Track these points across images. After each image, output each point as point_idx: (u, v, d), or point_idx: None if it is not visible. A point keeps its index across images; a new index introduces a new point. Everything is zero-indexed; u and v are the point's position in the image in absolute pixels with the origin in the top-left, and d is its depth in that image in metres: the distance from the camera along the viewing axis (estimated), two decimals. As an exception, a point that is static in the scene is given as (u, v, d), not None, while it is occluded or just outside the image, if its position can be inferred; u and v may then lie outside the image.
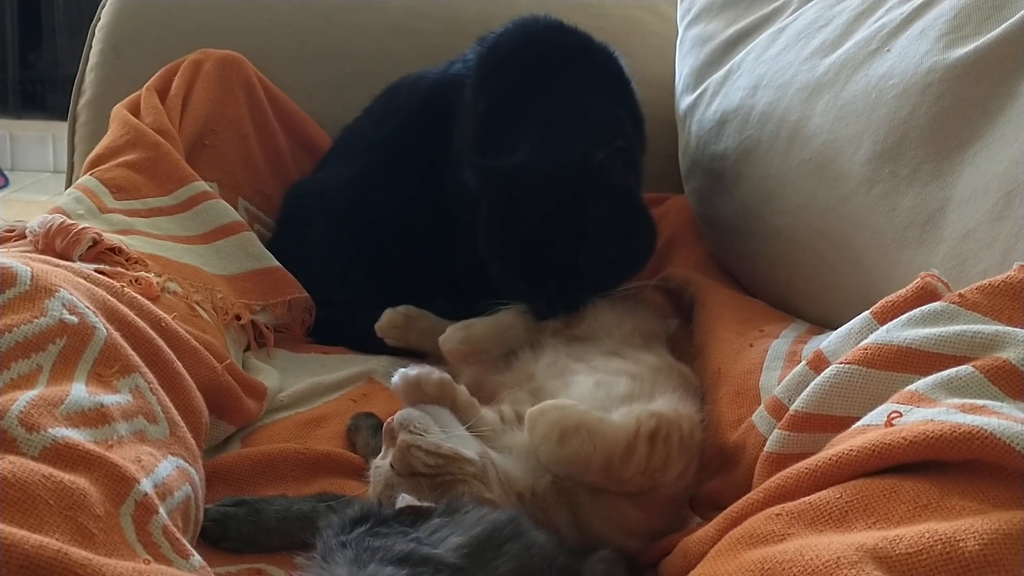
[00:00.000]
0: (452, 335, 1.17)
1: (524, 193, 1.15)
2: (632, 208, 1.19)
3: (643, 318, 1.17)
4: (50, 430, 0.69)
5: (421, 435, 0.87)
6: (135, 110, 1.43)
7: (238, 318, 1.24)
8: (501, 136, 1.22)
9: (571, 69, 1.27)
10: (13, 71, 4.14)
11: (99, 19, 1.71)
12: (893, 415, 0.67)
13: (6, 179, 3.79)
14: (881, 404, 0.70)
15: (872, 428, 0.67)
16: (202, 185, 1.35)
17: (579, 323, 1.15)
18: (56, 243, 1.06)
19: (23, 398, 0.70)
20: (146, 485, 0.72)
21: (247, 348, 1.28)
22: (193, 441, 0.88)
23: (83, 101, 1.68)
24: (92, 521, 0.65)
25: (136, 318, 0.93)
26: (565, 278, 1.14)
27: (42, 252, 1.05)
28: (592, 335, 1.13)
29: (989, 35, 0.95)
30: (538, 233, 1.14)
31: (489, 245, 1.20)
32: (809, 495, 0.65)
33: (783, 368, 0.96)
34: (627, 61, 1.34)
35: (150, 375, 0.87)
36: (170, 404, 0.88)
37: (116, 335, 0.86)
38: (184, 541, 0.73)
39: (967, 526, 0.55)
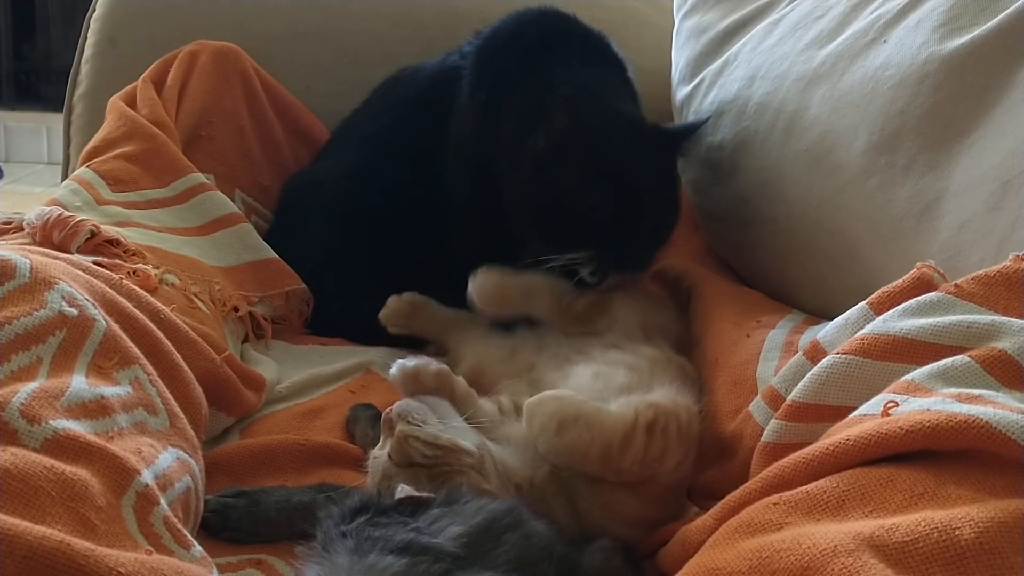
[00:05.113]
0: (484, 275, 1.17)
1: (594, 147, 1.16)
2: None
3: (665, 318, 1.18)
4: (51, 422, 0.69)
5: (419, 426, 0.87)
6: (131, 102, 1.42)
7: (236, 309, 1.24)
8: (523, 121, 1.22)
9: (572, 54, 1.27)
10: (7, 62, 4.13)
11: (94, 10, 1.70)
12: (889, 405, 0.67)
13: (1, 171, 3.78)
14: (878, 394, 0.70)
15: (869, 418, 0.68)
16: (199, 177, 1.35)
17: (603, 313, 1.15)
18: (54, 235, 1.06)
19: (24, 390, 0.71)
20: (147, 476, 0.72)
21: (245, 340, 1.28)
22: (193, 432, 0.89)
23: (79, 93, 1.67)
24: (94, 512, 0.65)
25: (135, 310, 0.93)
26: (640, 238, 1.17)
27: (40, 244, 1.05)
28: (608, 328, 1.13)
29: (985, 26, 0.95)
30: (622, 184, 1.15)
31: (555, 207, 1.18)
32: (806, 484, 0.65)
33: (780, 358, 0.96)
34: (624, 51, 1.35)
35: (149, 367, 0.88)
36: (170, 396, 0.88)
37: (115, 327, 0.86)
38: (185, 532, 0.73)
39: (963, 514, 0.56)
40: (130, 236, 1.15)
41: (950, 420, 0.61)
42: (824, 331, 0.87)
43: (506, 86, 1.26)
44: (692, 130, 1.27)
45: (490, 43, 1.33)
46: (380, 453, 0.89)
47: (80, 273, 0.91)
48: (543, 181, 1.18)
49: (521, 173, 1.20)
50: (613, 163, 1.16)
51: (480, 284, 1.17)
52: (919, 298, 0.77)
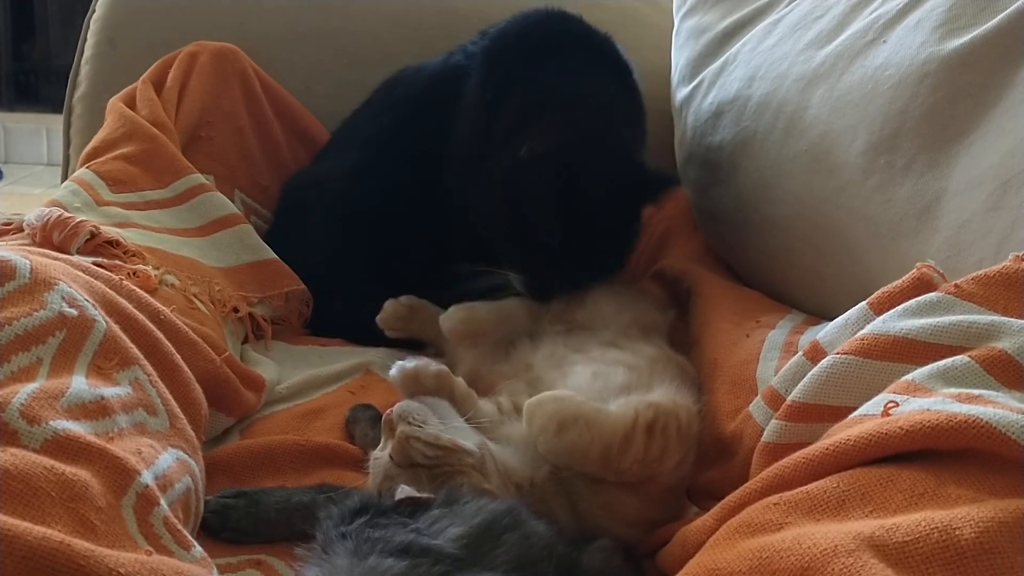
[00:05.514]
0: (454, 314, 1.18)
1: (570, 175, 1.15)
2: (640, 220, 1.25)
3: (644, 310, 1.17)
4: (51, 422, 0.69)
5: (420, 426, 0.87)
6: (131, 103, 1.42)
7: (236, 310, 1.24)
8: (514, 122, 1.22)
9: (579, 56, 1.27)
10: (6, 63, 4.13)
11: (94, 11, 1.70)
12: (890, 405, 0.67)
13: (0, 172, 3.78)
14: (878, 394, 0.70)
15: (869, 418, 0.68)
16: (199, 177, 1.35)
17: (579, 308, 1.15)
18: (54, 236, 1.06)
19: (24, 391, 0.71)
20: (147, 477, 0.72)
21: (245, 340, 1.28)
22: (192, 433, 0.89)
23: (78, 94, 1.67)
24: (94, 513, 0.65)
25: (135, 311, 0.93)
26: (577, 262, 1.16)
27: (40, 245, 1.05)
28: (592, 324, 1.13)
29: (984, 26, 0.95)
30: (579, 217, 1.15)
31: (507, 214, 1.19)
32: (806, 484, 0.65)
33: (779, 358, 0.96)
34: (627, 54, 1.35)
35: (149, 367, 0.88)
36: (169, 396, 0.88)
37: (115, 328, 0.86)
38: (185, 532, 0.73)
39: (963, 514, 0.56)
40: (130, 237, 1.15)
41: (950, 420, 0.61)
42: (824, 331, 0.87)
43: (508, 86, 1.26)
44: (668, 184, 1.26)
45: (498, 43, 1.33)
46: (381, 454, 0.90)
47: (80, 274, 0.91)
48: (508, 189, 1.19)
49: (496, 172, 1.21)
50: (577, 203, 1.15)
51: (452, 324, 1.17)
52: (919, 298, 0.77)
